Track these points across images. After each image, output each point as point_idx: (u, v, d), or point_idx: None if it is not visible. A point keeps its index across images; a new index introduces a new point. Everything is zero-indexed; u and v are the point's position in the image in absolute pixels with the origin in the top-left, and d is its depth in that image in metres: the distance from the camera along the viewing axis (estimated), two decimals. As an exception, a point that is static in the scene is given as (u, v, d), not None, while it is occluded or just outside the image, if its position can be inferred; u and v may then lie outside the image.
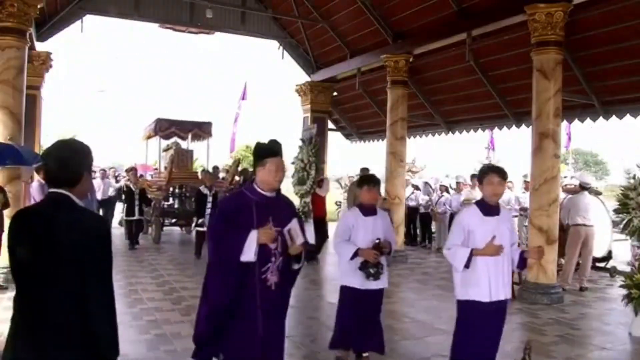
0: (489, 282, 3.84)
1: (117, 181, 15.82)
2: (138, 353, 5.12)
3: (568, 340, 5.97)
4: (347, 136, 17.78)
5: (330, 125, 16.48)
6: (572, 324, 6.59)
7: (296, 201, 12.06)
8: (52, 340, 2.16)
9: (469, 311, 3.94)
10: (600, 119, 10.14)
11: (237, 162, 14.53)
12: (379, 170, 15.10)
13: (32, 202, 9.44)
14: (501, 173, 3.94)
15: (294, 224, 3.51)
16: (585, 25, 8.92)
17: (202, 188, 11.18)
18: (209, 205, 10.81)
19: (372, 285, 4.52)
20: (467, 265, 3.81)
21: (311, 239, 7.12)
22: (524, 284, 8.11)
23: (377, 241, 4.49)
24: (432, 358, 5.28)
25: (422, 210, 13.82)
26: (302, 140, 12.36)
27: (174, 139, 15.61)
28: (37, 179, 9.99)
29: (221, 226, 3.48)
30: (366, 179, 4.85)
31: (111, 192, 14.97)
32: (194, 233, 12.71)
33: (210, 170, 14.47)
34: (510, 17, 8.77)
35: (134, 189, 12.34)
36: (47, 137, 14.60)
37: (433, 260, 10.26)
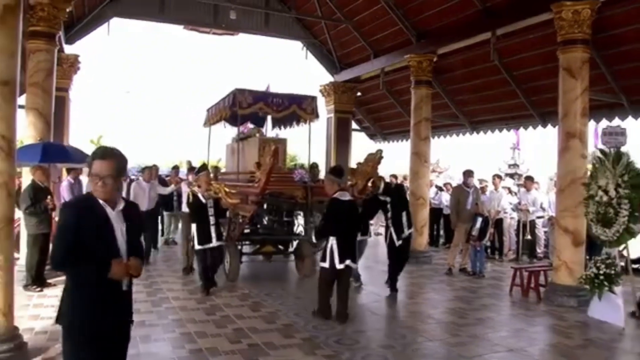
0: None
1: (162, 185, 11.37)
2: (165, 351, 5.20)
3: (595, 343, 5.87)
4: (371, 136, 17.77)
5: (354, 125, 16.48)
6: (600, 327, 6.46)
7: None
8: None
9: None
10: (630, 118, 9.94)
11: (379, 157, 8.28)
12: (404, 171, 15.06)
13: (62, 200, 9.67)
14: None
15: None
16: (613, 22, 8.76)
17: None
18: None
19: None
20: None
21: None
22: (551, 285, 7.99)
23: None
24: (456, 360, 5.26)
25: (446, 211, 13.71)
26: (602, 152, 6.78)
27: (247, 124, 11.49)
28: (67, 178, 10.21)
29: None
30: None
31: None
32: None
33: (308, 167, 10.36)
34: (535, 15, 8.67)
35: (205, 200, 7.95)
36: (75, 138, 14.66)
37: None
